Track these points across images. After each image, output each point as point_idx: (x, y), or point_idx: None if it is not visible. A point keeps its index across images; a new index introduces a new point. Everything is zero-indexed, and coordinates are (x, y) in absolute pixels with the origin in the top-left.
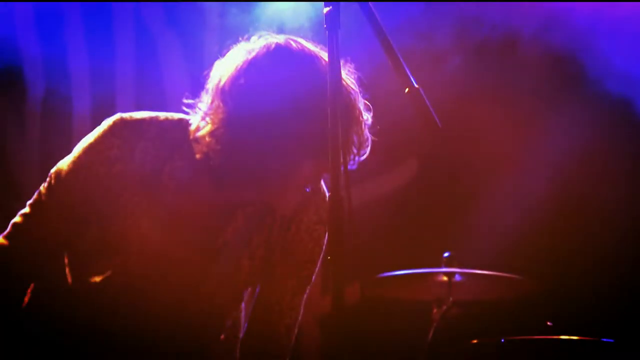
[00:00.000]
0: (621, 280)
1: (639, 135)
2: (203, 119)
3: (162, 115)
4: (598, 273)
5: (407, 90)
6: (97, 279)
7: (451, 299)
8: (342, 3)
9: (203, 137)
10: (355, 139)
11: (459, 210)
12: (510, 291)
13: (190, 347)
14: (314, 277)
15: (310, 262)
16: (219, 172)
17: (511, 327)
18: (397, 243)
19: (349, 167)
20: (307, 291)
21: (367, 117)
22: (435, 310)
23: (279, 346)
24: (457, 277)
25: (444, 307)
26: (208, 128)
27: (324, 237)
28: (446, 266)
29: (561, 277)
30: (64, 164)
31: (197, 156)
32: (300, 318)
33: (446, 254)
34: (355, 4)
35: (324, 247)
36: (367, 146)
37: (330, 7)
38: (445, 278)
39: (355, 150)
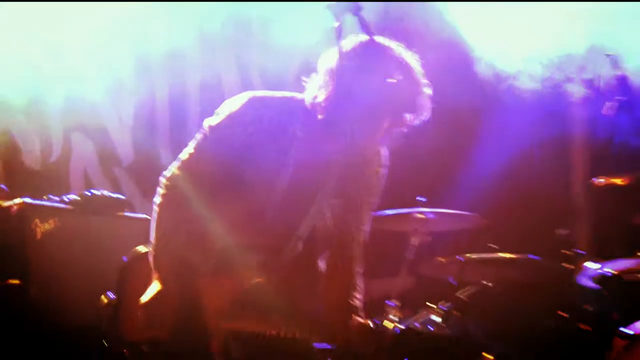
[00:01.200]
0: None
1: None
2: (318, 90)
3: (279, 93)
4: (529, 213)
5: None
6: None
7: (425, 230)
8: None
9: (319, 102)
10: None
11: (438, 163)
12: (466, 223)
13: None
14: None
15: (377, 194)
16: (330, 126)
17: (469, 247)
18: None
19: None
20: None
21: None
22: (413, 238)
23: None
24: (430, 215)
25: (420, 237)
26: (323, 96)
27: (383, 177)
28: (421, 207)
29: (503, 214)
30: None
31: (319, 116)
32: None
33: (421, 199)
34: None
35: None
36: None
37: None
38: (421, 216)
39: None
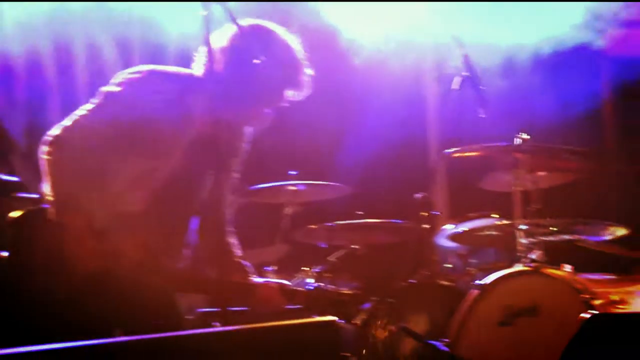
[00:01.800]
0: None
1: None
2: (204, 68)
3: (176, 68)
4: (391, 181)
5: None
6: None
7: (297, 201)
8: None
9: (207, 79)
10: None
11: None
12: (334, 193)
13: None
14: None
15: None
16: (216, 102)
17: (337, 212)
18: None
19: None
20: None
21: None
22: (286, 208)
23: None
24: (301, 187)
25: (292, 207)
26: (209, 73)
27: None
28: (293, 180)
29: (369, 183)
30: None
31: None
32: None
33: (292, 172)
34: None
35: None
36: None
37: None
38: (293, 188)
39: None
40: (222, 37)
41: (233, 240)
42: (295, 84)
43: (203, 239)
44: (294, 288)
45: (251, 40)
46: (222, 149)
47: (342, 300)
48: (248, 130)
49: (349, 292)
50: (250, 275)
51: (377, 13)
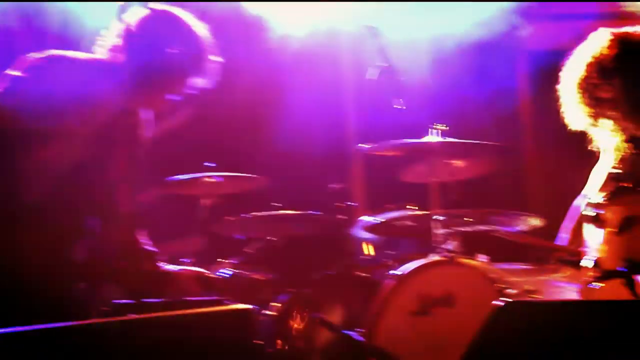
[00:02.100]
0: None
1: None
2: (109, 53)
3: (78, 53)
4: (307, 173)
5: None
6: None
7: (214, 192)
8: None
9: (111, 64)
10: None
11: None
12: (251, 185)
13: None
14: None
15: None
16: (120, 87)
17: (255, 204)
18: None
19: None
20: None
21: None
22: (203, 200)
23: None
24: (218, 178)
25: (209, 199)
26: (114, 58)
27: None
28: (210, 171)
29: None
30: None
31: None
32: None
33: (209, 164)
34: None
35: None
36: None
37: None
38: (210, 179)
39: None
40: (126, 22)
41: (140, 229)
42: (200, 72)
43: (107, 228)
44: (210, 276)
45: (156, 26)
46: (125, 137)
47: (257, 286)
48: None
49: (264, 277)
50: (161, 263)
51: (299, 2)
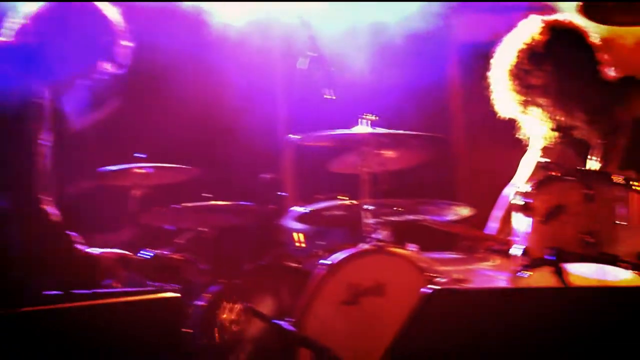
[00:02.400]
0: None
1: None
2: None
3: None
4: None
5: None
6: None
7: (144, 183)
8: None
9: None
10: None
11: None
12: (181, 176)
13: None
14: None
15: None
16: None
17: (185, 195)
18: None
19: None
20: None
21: None
22: (134, 191)
23: None
24: (148, 169)
25: (140, 190)
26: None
27: None
28: (140, 162)
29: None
30: None
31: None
32: None
33: (140, 155)
34: None
35: None
36: None
37: None
38: (140, 170)
39: None
40: (35, 4)
41: (69, 219)
42: (110, 56)
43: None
44: (131, 257)
45: (65, 8)
46: (34, 124)
47: (179, 266)
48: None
49: (184, 257)
50: (83, 247)
51: None
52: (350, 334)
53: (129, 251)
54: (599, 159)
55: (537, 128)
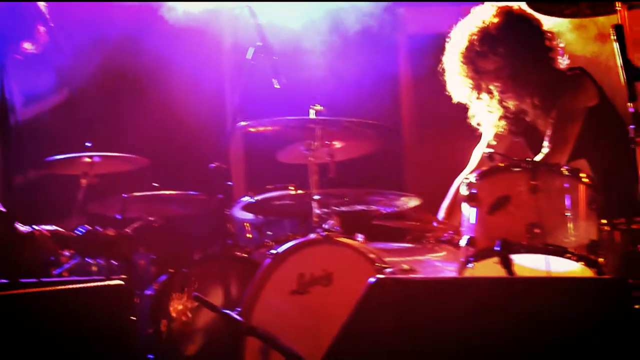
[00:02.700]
0: None
1: None
2: None
3: None
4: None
5: None
6: None
7: (93, 172)
8: None
9: None
10: None
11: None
12: (129, 165)
13: None
14: None
15: None
16: None
17: (134, 184)
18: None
19: None
20: None
21: None
22: (83, 180)
23: None
24: (96, 159)
25: (88, 178)
26: None
27: None
28: (88, 151)
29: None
30: None
31: None
32: None
33: (88, 144)
34: None
35: None
36: None
37: None
38: (88, 159)
39: None
40: None
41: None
42: (30, 36)
43: None
44: (66, 232)
45: None
46: None
47: (114, 241)
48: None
49: (120, 232)
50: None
51: None
52: (299, 323)
53: None
54: (550, 149)
55: (487, 116)
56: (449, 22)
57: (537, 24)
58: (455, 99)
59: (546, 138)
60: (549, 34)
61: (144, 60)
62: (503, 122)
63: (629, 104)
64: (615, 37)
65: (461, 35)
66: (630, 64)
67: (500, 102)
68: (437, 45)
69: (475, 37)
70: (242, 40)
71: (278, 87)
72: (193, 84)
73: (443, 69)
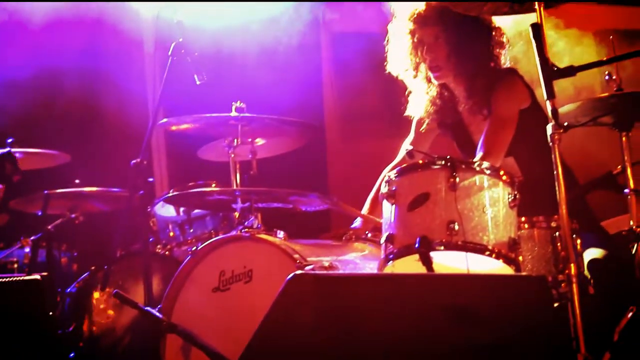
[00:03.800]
0: None
1: None
2: None
3: None
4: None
5: None
6: None
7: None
8: None
9: None
10: None
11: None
12: (51, 162)
13: None
14: None
15: None
16: None
17: (55, 180)
18: None
19: None
20: None
21: None
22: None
23: None
24: (18, 155)
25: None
26: None
27: None
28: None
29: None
30: None
31: None
32: None
33: (9, 140)
34: None
35: None
36: None
37: None
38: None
39: None
40: None
41: None
42: None
43: None
44: None
45: None
46: None
47: None
48: None
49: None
50: None
51: None
52: (220, 320)
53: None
54: (483, 156)
55: (420, 101)
56: (373, 21)
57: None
58: (393, 72)
59: (480, 144)
60: (498, 29)
61: (65, 57)
62: (432, 109)
63: (546, 101)
64: (533, 36)
65: (408, 6)
66: (547, 62)
67: (437, 75)
68: (360, 43)
69: (421, 6)
70: (163, 37)
71: (199, 83)
72: (115, 80)
73: (387, 40)
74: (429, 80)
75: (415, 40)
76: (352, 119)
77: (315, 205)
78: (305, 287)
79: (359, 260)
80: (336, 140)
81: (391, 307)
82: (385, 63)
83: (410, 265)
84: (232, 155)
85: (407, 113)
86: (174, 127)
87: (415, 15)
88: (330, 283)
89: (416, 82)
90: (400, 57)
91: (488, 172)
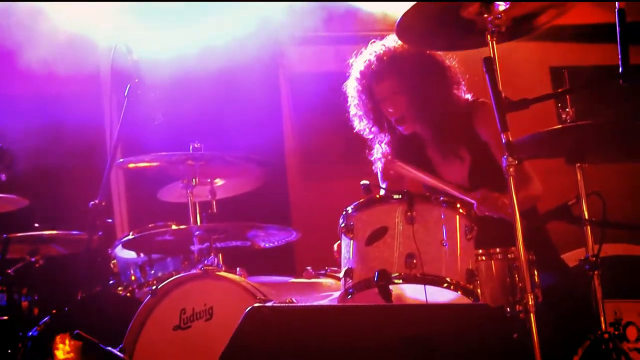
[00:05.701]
0: None
1: None
2: None
3: None
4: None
5: None
6: None
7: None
8: None
9: None
10: None
11: None
12: (10, 206)
13: None
14: None
15: None
16: None
17: (14, 225)
18: None
19: None
20: None
21: None
22: None
23: None
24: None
25: None
26: None
27: None
28: None
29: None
30: None
31: None
32: None
33: None
34: None
35: None
36: None
37: None
38: None
39: None
40: None
41: None
42: None
43: None
44: None
45: None
46: None
47: None
48: None
49: None
50: None
51: None
52: (182, 358)
53: None
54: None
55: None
56: (332, 61)
57: (439, 58)
58: (356, 129)
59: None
60: (450, 68)
61: (22, 99)
62: (383, 152)
63: (501, 134)
64: (485, 69)
65: (359, 62)
66: (500, 95)
67: (398, 120)
68: (320, 83)
69: (372, 59)
70: (119, 75)
71: (156, 123)
72: (72, 119)
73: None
74: (394, 131)
75: (375, 97)
76: (313, 159)
77: (276, 239)
78: (263, 320)
79: (320, 294)
80: (298, 180)
81: (351, 338)
82: (346, 104)
83: (370, 299)
84: (190, 196)
85: (373, 165)
86: (131, 165)
87: (369, 73)
88: (288, 315)
89: (381, 136)
90: (363, 115)
91: (445, 205)
